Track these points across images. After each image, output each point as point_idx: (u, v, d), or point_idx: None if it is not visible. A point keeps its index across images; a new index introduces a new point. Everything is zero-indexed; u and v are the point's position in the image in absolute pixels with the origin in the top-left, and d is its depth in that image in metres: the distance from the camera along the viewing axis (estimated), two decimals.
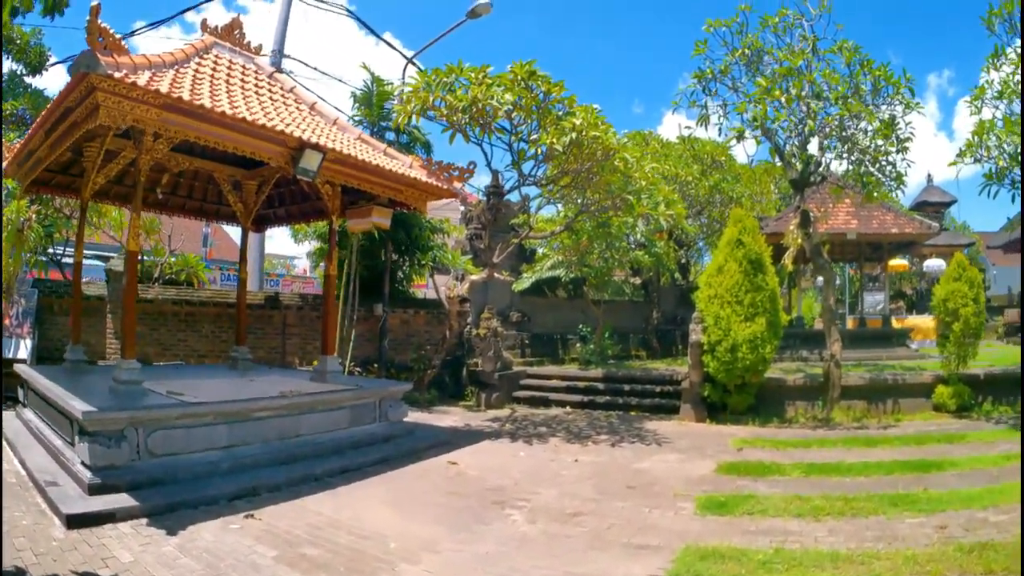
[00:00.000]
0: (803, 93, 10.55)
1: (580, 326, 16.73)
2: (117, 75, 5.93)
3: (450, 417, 11.55)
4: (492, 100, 9.26)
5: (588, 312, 16.96)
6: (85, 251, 10.12)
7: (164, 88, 6.44)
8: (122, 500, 5.44)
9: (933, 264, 25.98)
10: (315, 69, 27.98)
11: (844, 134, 10.68)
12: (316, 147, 7.90)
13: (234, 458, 6.73)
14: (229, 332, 12.23)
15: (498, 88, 9.33)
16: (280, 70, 14.30)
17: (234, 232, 24.33)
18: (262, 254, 17.63)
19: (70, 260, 18.41)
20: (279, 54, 15.47)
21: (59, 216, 12.27)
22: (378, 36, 67.04)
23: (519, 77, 9.46)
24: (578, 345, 16.62)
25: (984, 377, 11.47)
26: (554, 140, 9.38)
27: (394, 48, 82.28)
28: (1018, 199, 10.13)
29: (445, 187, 9.71)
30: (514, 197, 13.66)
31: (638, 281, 21.01)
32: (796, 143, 11.18)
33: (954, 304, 11.14)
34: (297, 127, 8.03)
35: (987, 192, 9.78)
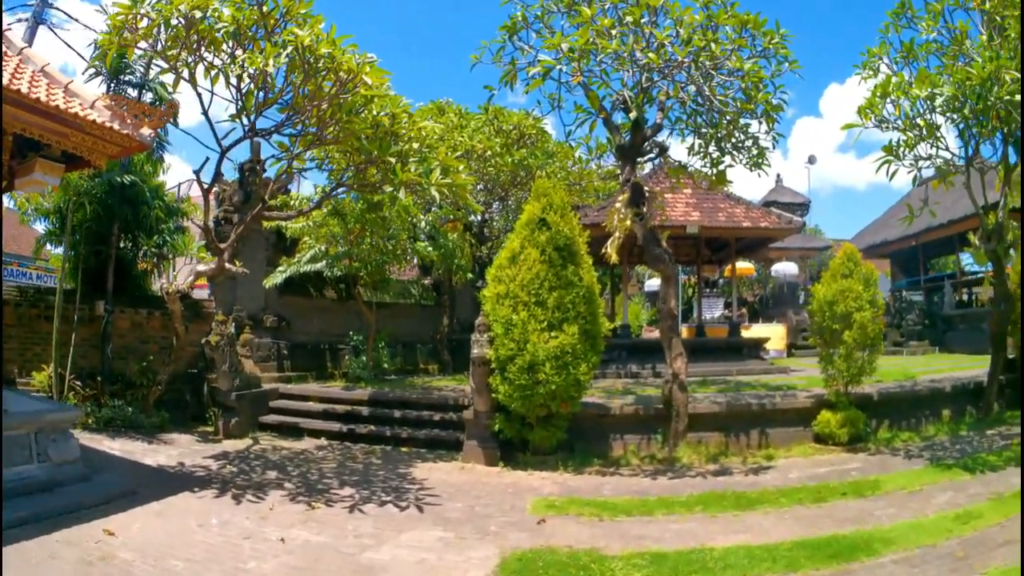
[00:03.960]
0: (642, 21, 7.87)
1: (352, 333, 13.57)
2: None
3: (168, 450, 9.02)
4: (201, 14, 6.69)
5: (364, 317, 13.81)
6: None
7: None
8: None
9: (783, 268, 24.91)
10: (76, 20, 25.04)
11: (696, 75, 7.99)
12: None
13: None
14: None
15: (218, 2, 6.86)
16: (40, 20, 14.45)
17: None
18: None
19: None
20: (44, 3, 14.46)
21: None
22: None
23: None
24: (347, 358, 13.47)
25: (879, 397, 9.41)
26: (268, 62, 6.56)
27: None
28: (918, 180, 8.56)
29: (128, 132, 7.17)
30: (272, 169, 10.24)
31: (428, 282, 17.96)
32: (629, 92, 8.37)
33: (845, 307, 8.87)
34: None
35: (884, 172, 8.02)
